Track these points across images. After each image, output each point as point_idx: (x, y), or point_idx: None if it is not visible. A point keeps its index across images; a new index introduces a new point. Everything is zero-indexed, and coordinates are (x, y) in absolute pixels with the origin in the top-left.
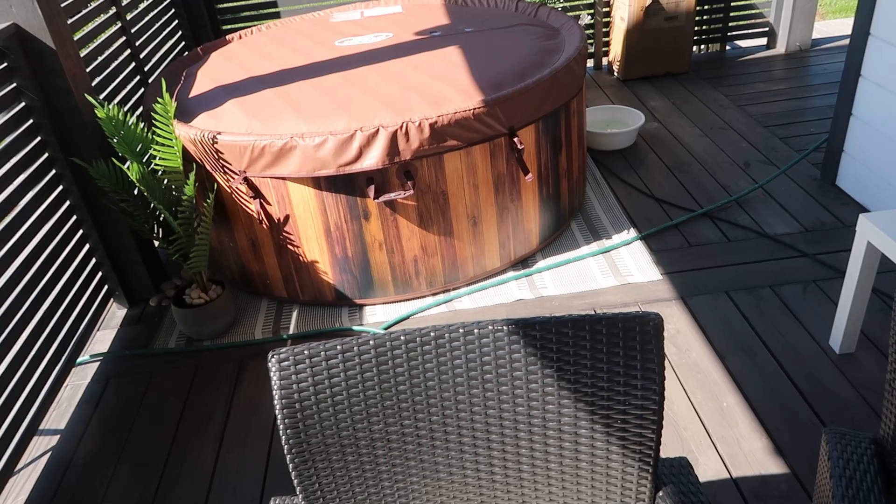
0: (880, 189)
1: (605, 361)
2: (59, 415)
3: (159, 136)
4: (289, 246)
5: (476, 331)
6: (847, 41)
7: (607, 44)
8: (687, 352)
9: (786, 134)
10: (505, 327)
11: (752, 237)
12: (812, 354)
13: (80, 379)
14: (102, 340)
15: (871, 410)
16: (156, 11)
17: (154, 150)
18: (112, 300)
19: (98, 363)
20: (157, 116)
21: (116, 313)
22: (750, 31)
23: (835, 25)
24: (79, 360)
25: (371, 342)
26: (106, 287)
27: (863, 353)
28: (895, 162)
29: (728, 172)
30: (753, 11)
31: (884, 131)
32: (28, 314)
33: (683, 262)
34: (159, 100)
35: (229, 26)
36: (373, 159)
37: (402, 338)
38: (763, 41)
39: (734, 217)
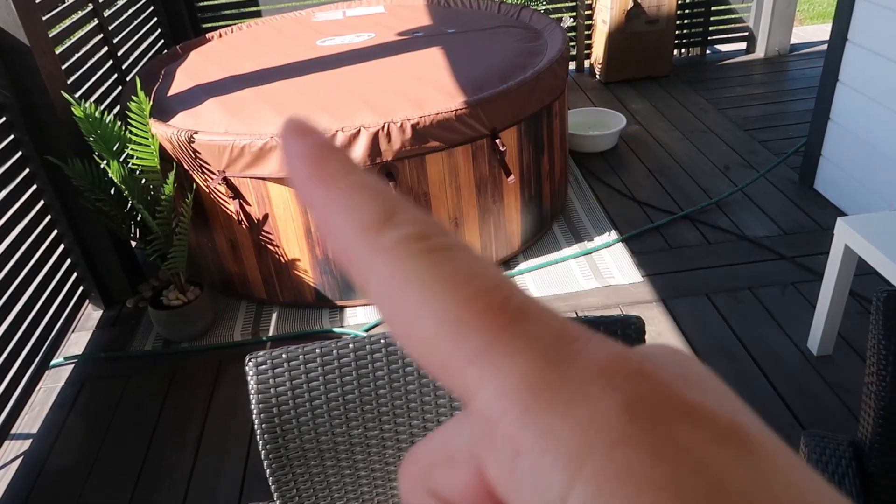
0: (858, 193)
1: None
2: (32, 418)
3: (135, 134)
4: (268, 247)
5: None
6: (825, 46)
7: (589, 46)
8: None
9: (765, 137)
10: None
11: (731, 240)
12: (790, 356)
13: (53, 382)
14: (77, 342)
15: (849, 412)
16: (134, 9)
17: (130, 149)
18: (87, 301)
19: (73, 366)
20: (132, 115)
21: (92, 315)
22: (730, 35)
23: (812, 31)
24: (53, 362)
25: (351, 345)
26: (81, 288)
27: (840, 354)
28: (872, 166)
29: (708, 175)
30: (733, 16)
31: (861, 136)
32: (0, 315)
33: (664, 265)
34: (134, 98)
35: (209, 25)
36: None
37: (381, 341)
38: (742, 45)
39: (714, 220)
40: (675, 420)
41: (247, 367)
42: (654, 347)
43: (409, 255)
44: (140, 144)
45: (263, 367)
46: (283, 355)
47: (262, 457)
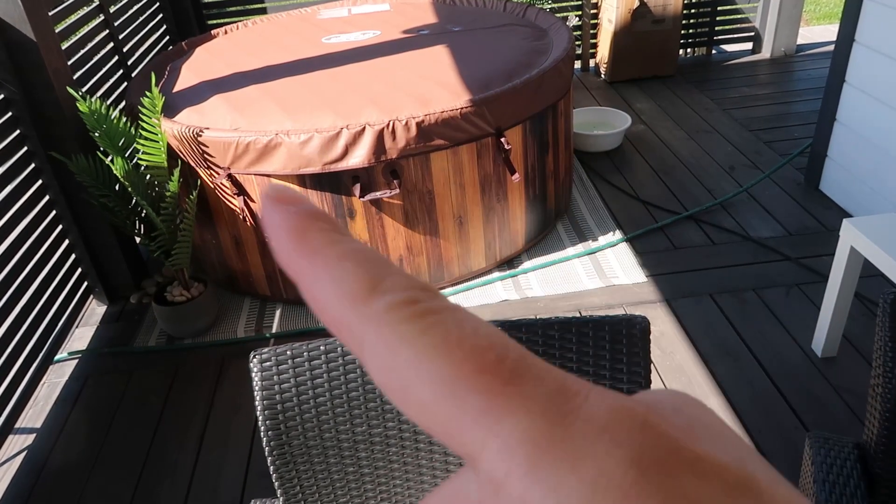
0: (863, 194)
1: (591, 364)
2: (36, 413)
3: (144, 130)
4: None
5: None
6: (831, 47)
7: (594, 46)
8: (671, 354)
9: (770, 138)
10: None
11: (736, 240)
12: (795, 358)
13: (57, 377)
14: (81, 338)
15: (853, 414)
16: (140, 5)
17: (138, 144)
18: (92, 297)
19: (76, 361)
20: (143, 110)
21: (96, 310)
22: (736, 35)
23: (819, 31)
24: (57, 357)
25: None
26: (86, 284)
27: (845, 356)
28: (878, 167)
29: (713, 176)
30: (739, 16)
31: (867, 137)
32: (5, 310)
33: (668, 265)
34: (147, 93)
35: (215, 21)
36: (359, 157)
37: None
38: (748, 46)
39: (719, 220)
40: (683, 473)
41: (251, 364)
42: (658, 394)
43: (400, 321)
44: (149, 140)
45: (268, 363)
46: (288, 352)
47: (266, 453)
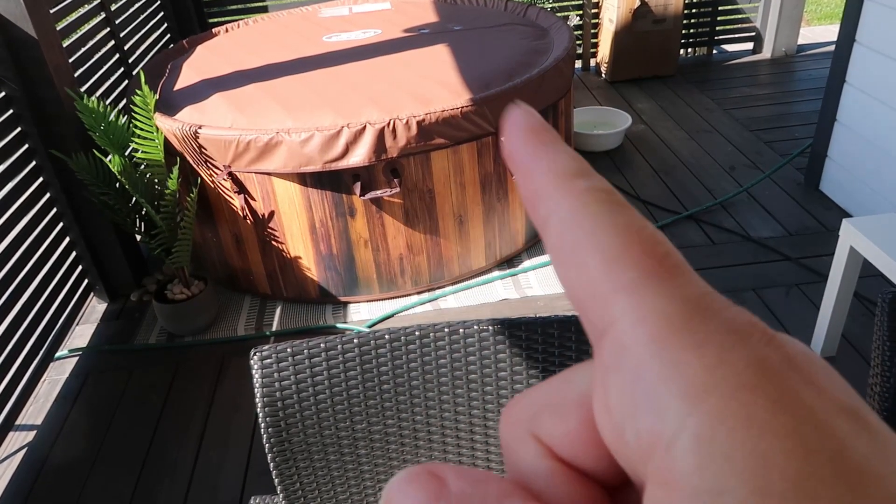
0: (863, 194)
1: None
2: (37, 410)
3: (139, 128)
4: (273, 242)
5: (461, 330)
6: (832, 48)
7: (595, 45)
8: None
9: (771, 138)
10: (490, 327)
11: (736, 240)
12: None
13: (58, 374)
14: (82, 335)
15: None
16: (141, 2)
17: (134, 142)
18: (92, 295)
19: (77, 358)
20: (136, 109)
21: (96, 308)
22: (736, 35)
23: (820, 32)
24: (57, 354)
25: (355, 340)
26: (86, 281)
27: (843, 356)
28: (878, 168)
29: (713, 176)
30: (740, 16)
31: (867, 137)
32: (6, 307)
33: None
34: (139, 92)
35: (216, 20)
36: (359, 156)
37: (386, 336)
38: (749, 46)
39: (719, 220)
40: (800, 383)
41: (252, 361)
42: (784, 335)
43: (594, 200)
44: (144, 138)
45: (268, 360)
46: (288, 349)
47: (266, 450)
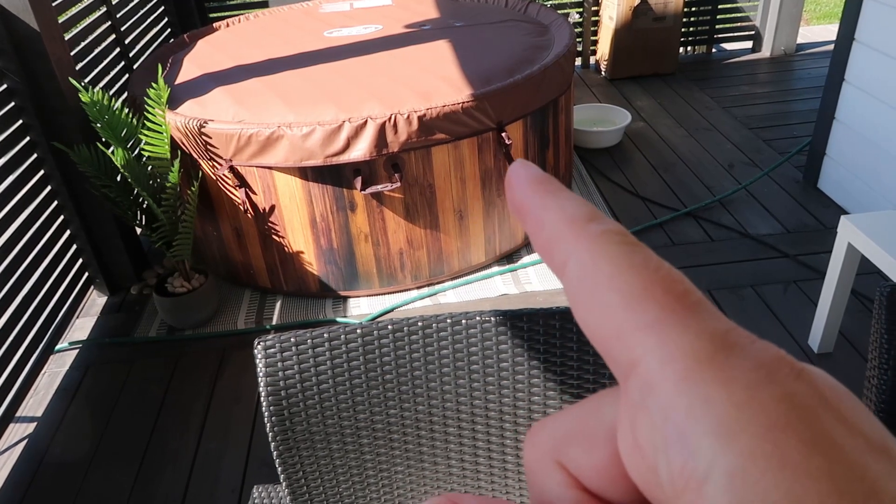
0: (861, 192)
1: (592, 353)
2: (37, 402)
3: (150, 121)
4: (274, 236)
5: (463, 321)
6: (831, 46)
7: (595, 42)
8: None
9: (769, 136)
10: (492, 318)
11: (734, 237)
12: (791, 353)
13: (58, 366)
14: (82, 328)
15: None
16: None
17: (142, 135)
18: (93, 287)
19: (77, 351)
20: (149, 101)
21: (97, 301)
22: (736, 34)
23: (819, 31)
24: (57, 347)
25: (358, 331)
26: (87, 274)
27: (840, 352)
28: (876, 166)
29: (712, 173)
30: (740, 15)
31: (866, 135)
32: (6, 300)
33: (667, 261)
34: (154, 84)
35: (217, 14)
36: (360, 150)
37: (389, 327)
38: (749, 44)
39: (717, 217)
40: (831, 421)
41: (255, 351)
42: (811, 367)
43: (610, 242)
44: (153, 132)
45: (272, 350)
46: (292, 339)
47: (270, 439)
